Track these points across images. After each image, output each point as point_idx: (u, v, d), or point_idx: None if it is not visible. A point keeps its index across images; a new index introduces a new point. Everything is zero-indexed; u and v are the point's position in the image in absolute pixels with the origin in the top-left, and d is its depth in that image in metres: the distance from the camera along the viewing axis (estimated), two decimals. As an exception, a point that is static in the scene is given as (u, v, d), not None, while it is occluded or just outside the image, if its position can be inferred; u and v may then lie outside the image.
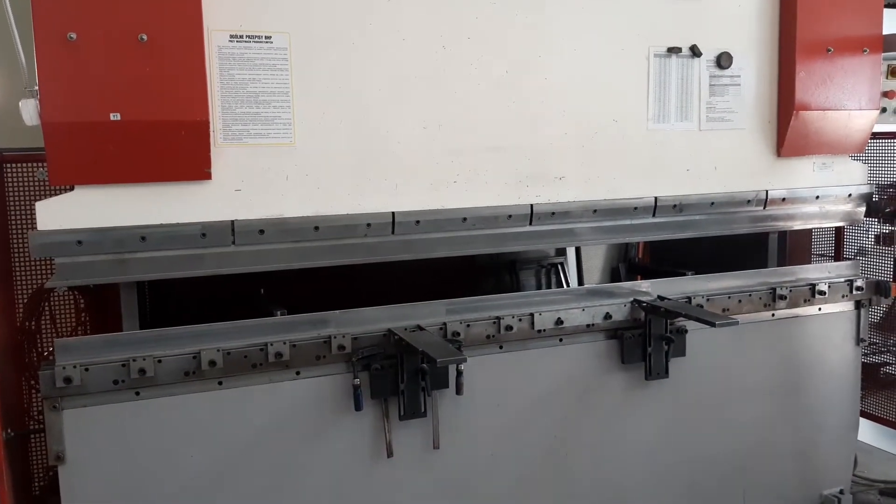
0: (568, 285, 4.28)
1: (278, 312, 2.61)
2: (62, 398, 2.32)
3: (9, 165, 2.68)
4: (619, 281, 4.09)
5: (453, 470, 2.78)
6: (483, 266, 3.67)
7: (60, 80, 2.15)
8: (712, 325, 2.66)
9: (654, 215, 3.01)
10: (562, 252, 3.88)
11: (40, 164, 2.66)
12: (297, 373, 2.58)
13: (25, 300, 2.67)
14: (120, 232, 2.33)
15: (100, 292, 2.65)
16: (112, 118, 2.20)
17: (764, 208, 3.20)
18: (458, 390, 2.67)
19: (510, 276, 3.71)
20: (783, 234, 3.54)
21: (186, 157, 2.33)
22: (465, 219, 2.74)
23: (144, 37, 2.20)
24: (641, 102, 2.95)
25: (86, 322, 2.69)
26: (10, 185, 2.69)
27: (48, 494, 2.63)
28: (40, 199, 2.42)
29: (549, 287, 3.87)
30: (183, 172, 2.36)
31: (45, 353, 2.61)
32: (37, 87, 2.16)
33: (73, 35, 2.14)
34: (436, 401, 2.70)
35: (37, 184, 2.67)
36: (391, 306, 2.68)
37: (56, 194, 2.43)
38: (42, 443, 2.71)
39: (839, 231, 4.17)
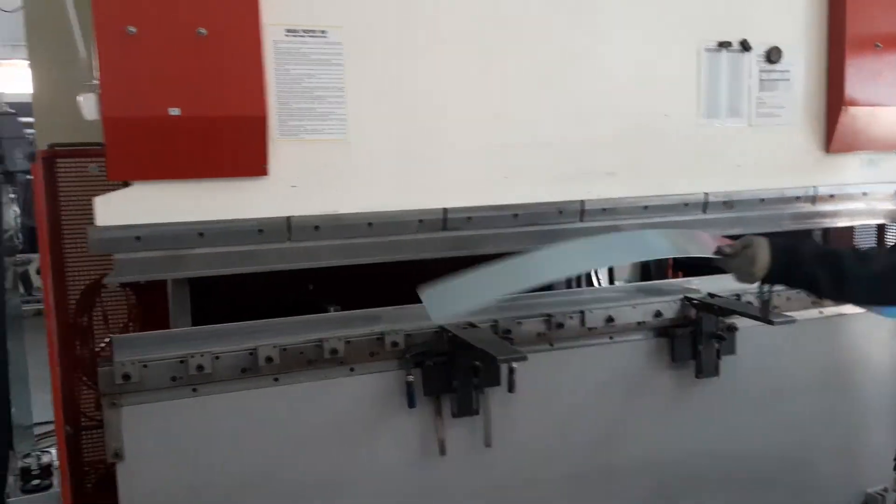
0: (599, 282, 4.26)
1: (331, 308, 2.60)
2: (121, 395, 2.31)
3: (61, 161, 2.67)
4: (649, 277, 4.08)
5: (504, 467, 2.76)
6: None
7: (120, 75, 2.14)
8: (771, 322, 2.63)
9: (704, 211, 2.98)
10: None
11: (92, 160, 2.65)
12: (351, 369, 2.56)
13: (77, 296, 2.66)
14: (178, 228, 2.32)
15: (150, 289, 2.64)
16: (171, 113, 2.18)
17: (813, 204, 3.17)
18: (511, 388, 2.65)
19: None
20: (826, 231, 3.51)
21: (244, 153, 2.32)
22: (516, 215, 2.71)
23: (203, 31, 2.19)
24: (692, 97, 2.92)
25: (137, 318, 2.68)
26: (62, 180, 2.68)
27: (97, 491, 2.62)
28: (90, 195, 2.42)
29: (579, 283, 3.85)
30: (241, 168, 2.34)
31: (97, 350, 2.60)
32: (97, 82, 2.15)
33: (133, 29, 2.13)
34: (488, 398, 2.68)
35: (88, 179, 2.65)
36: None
37: (107, 190, 2.43)
38: (92, 439, 2.70)
39: (881, 228, 4.13)
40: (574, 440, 2.84)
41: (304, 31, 2.38)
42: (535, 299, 2.78)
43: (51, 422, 4.62)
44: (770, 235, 1.97)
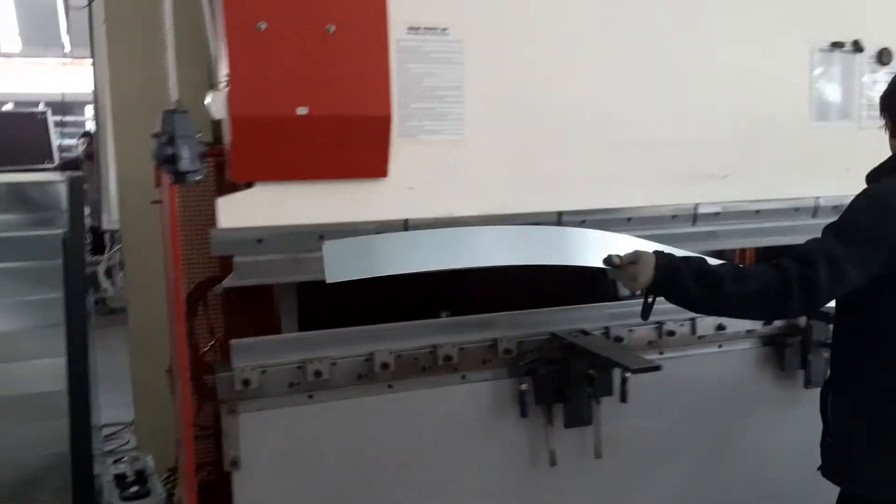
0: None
1: (443, 314, 2.53)
2: (239, 402, 2.25)
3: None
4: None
5: (613, 478, 2.69)
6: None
7: (250, 72, 2.07)
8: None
9: (814, 216, 2.89)
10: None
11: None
12: (463, 377, 2.50)
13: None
14: (299, 230, 2.25)
15: (255, 292, 2.57)
16: (299, 112, 2.12)
17: (920, 209, 3.07)
18: (623, 398, 2.58)
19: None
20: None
21: (367, 154, 2.25)
22: (629, 219, 2.64)
23: (332, 28, 2.12)
24: (803, 99, 2.84)
25: (240, 324, 2.62)
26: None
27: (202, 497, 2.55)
28: (204, 197, 2.37)
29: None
30: (363, 170, 2.28)
31: (201, 355, 2.54)
32: (224, 80, 2.09)
33: (264, 24, 2.06)
34: (600, 409, 2.61)
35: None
36: (554, 309, 2.60)
37: (203, 192, 2.38)
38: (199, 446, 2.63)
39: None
40: (682, 449, 2.76)
41: (426, 28, 2.31)
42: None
43: (114, 423, 4.62)
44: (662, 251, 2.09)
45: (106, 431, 4.34)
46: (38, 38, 12.96)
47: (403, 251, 2.26)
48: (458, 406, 2.50)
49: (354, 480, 2.41)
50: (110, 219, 5.27)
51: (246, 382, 2.23)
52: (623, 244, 2.34)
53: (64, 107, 10.97)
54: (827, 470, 2.16)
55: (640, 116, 2.61)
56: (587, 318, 2.62)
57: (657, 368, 2.31)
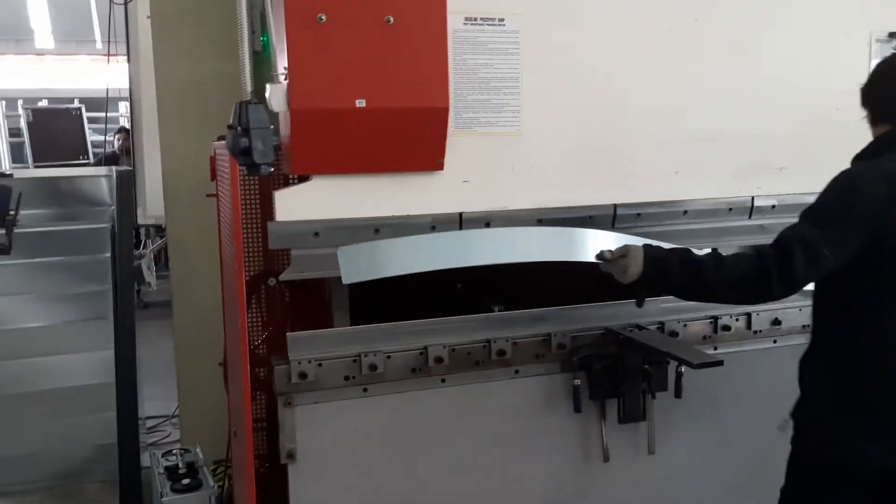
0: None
1: (495, 308, 2.51)
2: (295, 394, 2.25)
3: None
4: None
5: (666, 475, 2.66)
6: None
7: (310, 65, 2.06)
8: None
9: (871, 209, 2.82)
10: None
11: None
12: (516, 371, 2.48)
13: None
14: (355, 224, 2.25)
15: (306, 286, 2.57)
16: (357, 105, 2.11)
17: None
18: (678, 393, 2.55)
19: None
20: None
21: (424, 147, 2.24)
22: (685, 211, 2.60)
23: (391, 18, 2.10)
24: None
25: (292, 317, 2.62)
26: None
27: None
28: (247, 192, 2.37)
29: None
30: (418, 163, 2.26)
31: (252, 348, 2.55)
32: (283, 73, 2.08)
33: (324, 16, 2.05)
34: (654, 404, 2.58)
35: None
36: (607, 304, 2.57)
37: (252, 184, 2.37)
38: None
39: None
40: (736, 446, 2.72)
41: (483, 18, 2.29)
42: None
43: (154, 416, 4.66)
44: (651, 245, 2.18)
45: (146, 424, 4.37)
46: (71, 35, 13.12)
47: (408, 253, 2.29)
48: (511, 401, 2.48)
49: (407, 474, 2.40)
50: (146, 214, 5.32)
51: (303, 375, 2.23)
52: (613, 241, 2.40)
53: (91, 103, 11.08)
54: (798, 436, 2.21)
55: (698, 108, 2.57)
56: (641, 312, 2.58)
57: (720, 363, 2.27)
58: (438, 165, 2.28)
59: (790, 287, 2.01)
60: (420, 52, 2.15)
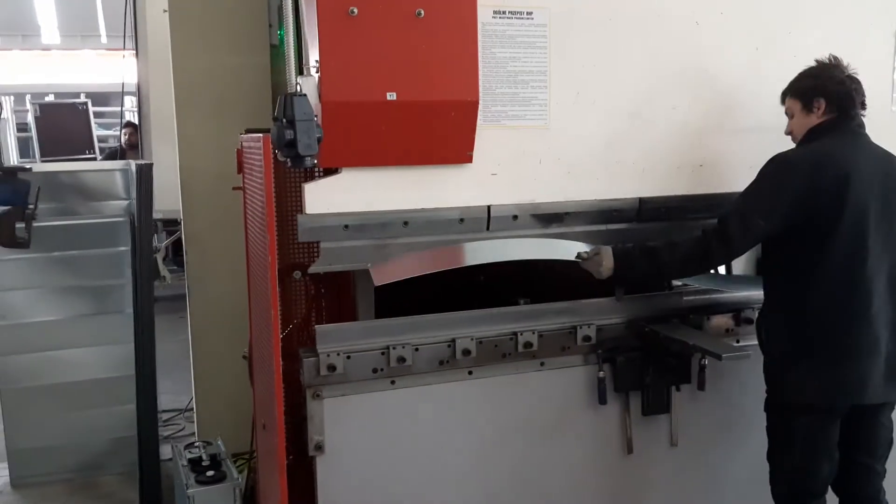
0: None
1: (521, 302, 2.52)
2: (323, 386, 2.26)
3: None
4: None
5: (689, 466, 2.67)
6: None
7: (341, 57, 2.07)
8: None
9: (893, 203, 2.83)
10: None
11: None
12: (542, 364, 2.49)
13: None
14: (385, 216, 2.25)
15: (331, 278, 2.58)
16: (388, 98, 2.11)
17: None
18: (701, 386, 2.55)
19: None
20: None
21: (453, 140, 2.24)
22: (710, 205, 2.61)
23: (422, 12, 2.11)
24: (886, 83, 2.79)
25: (317, 309, 2.63)
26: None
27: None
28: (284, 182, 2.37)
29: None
30: (448, 156, 2.27)
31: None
32: (315, 65, 2.08)
33: (355, 9, 2.06)
34: (678, 396, 2.59)
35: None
36: (633, 296, 2.57)
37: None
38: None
39: None
40: (758, 439, 2.72)
41: (511, 12, 2.30)
42: (723, 295, 2.67)
43: (167, 410, 4.66)
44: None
45: (161, 418, 4.37)
46: (77, 30, 13.10)
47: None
48: (538, 393, 2.49)
49: (434, 465, 2.41)
50: (155, 208, 5.32)
51: (331, 368, 2.23)
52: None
53: (97, 97, 11.06)
54: (767, 386, 2.46)
55: (723, 101, 2.58)
56: (665, 305, 2.60)
57: (747, 356, 2.28)
58: (468, 158, 2.29)
59: (729, 251, 2.41)
60: (450, 45, 2.16)
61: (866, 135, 2.43)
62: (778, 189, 2.31)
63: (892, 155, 2.44)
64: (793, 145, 2.47)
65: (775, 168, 2.34)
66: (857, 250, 2.29)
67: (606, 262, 2.38)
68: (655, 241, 2.45)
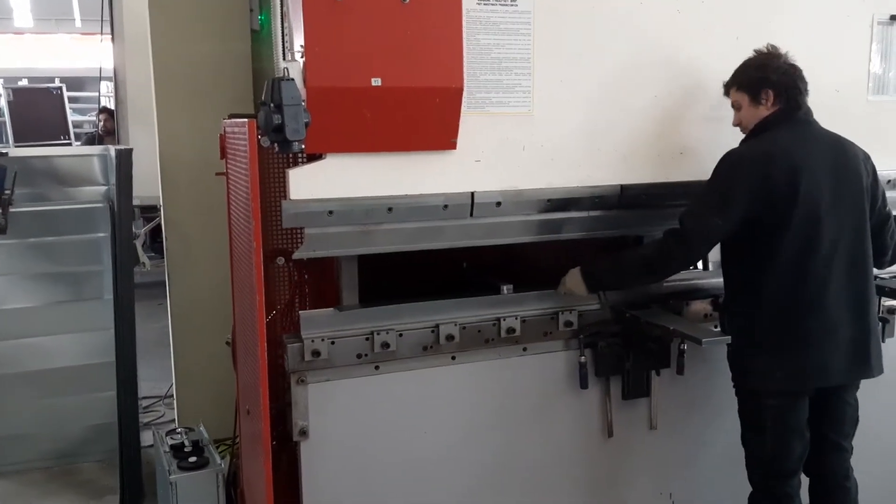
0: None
1: (504, 288, 2.53)
2: (307, 372, 2.27)
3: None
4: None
5: (668, 449, 2.72)
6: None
7: (326, 43, 2.06)
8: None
9: (869, 192, 2.88)
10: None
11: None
12: (524, 349, 2.52)
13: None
14: (369, 203, 2.25)
15: (315, 264, 2.58)
16: (373, 83, 2.11)
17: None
18: (680, 370, 2.59)
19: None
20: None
21: (437, 126, 2.24)
22: (689, 193, 2.63)
23: (407, -2, 2.11)
24: (863, 72, 2.83)
25: (301, 295, 2.63)
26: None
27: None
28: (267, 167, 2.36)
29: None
30: (431, 142, 2.27)
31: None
32: (300, 51, 2.07)
33: (340, -4, 2.05)
34: (658, 381, 2.63)
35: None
36: (613, 282, 2.60)
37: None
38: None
39: None
40: (735, 422, 2.77)
41: (495, -1, 2.30)
42: (703, 280, 2.71)
43: (149, 396, 4.64)
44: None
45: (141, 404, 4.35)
46: (50, 13, 12.88)
47: None
48: (520, 378, 2.52)
49: (418, 449, 2.44)
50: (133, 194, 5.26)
51: (316, 353, 2.24)
52: None
53: (72, 82, 10.89)
54: (733, 373, 2.52)
55: (704, 90, 2.59)
56: (645, 291, 2.63)
57: (727, 340, 2.32)
58: (451, 145, 2.29)
59: (688, 251, 2.42)
60: (435, 31, 2.16)
61: (815, 122, 2.47)
62: (732, 187, 2.33)
63: (842, 139, 2.49)
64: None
65: (729, 166, 2.37)
66: (810, 239, 2.33)
67: (579, 288, 2.47)
68: (622, 251, 2.56)
